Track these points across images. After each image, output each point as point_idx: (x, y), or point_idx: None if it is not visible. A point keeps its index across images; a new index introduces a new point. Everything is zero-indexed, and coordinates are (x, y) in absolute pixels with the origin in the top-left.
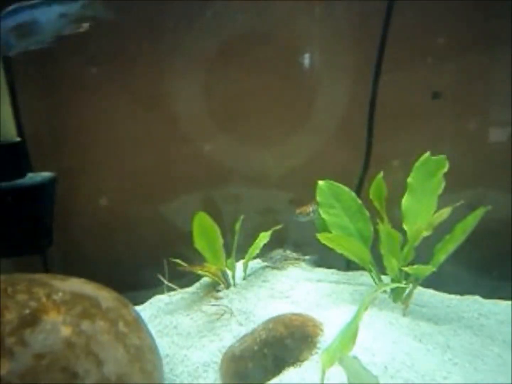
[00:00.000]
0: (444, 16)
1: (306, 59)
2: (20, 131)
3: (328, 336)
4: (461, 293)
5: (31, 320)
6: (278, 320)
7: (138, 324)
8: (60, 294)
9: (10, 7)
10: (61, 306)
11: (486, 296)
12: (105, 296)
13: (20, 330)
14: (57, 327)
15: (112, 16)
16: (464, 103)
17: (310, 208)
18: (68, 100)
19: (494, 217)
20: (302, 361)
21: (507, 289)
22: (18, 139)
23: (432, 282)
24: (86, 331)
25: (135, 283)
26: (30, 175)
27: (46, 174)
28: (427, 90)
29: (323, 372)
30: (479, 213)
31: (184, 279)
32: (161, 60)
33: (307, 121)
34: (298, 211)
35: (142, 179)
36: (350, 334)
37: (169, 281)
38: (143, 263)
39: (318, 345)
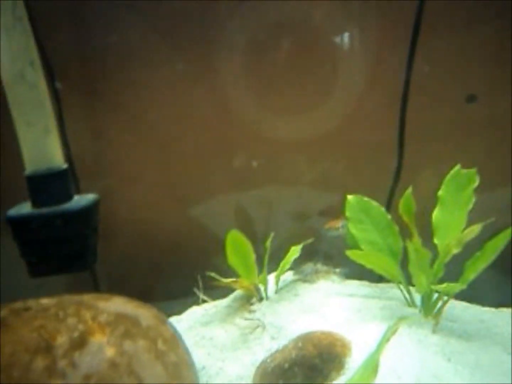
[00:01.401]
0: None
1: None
2: (67, 153)
3: (356, 357)
4: (498, 303)
5: (80, 343)
6: (307, 338)
7: (175, 340)
8: (105, 315)
9: None
10: (106, 328)
11: None
12: (144, 314)
13: (71, 353)
14: (102, 348)
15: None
16: (500, 107)
17: (339, 224)
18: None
19: None
20: (331, 381)
21: None
22: (66, 165)
23: (468, 292)
24: (128, 351)
25: (175, 292)
26: (76, 198)
27: (90, 196)
28: (462, 93)
29: None
30: (509, 232)
31: (219, 290)
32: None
33: (333, 133)
34: (327, 226)
35: (179, 190)
36: (370, 368)
37: (205, 291)
38: (182, 273)
39: (346, 366)
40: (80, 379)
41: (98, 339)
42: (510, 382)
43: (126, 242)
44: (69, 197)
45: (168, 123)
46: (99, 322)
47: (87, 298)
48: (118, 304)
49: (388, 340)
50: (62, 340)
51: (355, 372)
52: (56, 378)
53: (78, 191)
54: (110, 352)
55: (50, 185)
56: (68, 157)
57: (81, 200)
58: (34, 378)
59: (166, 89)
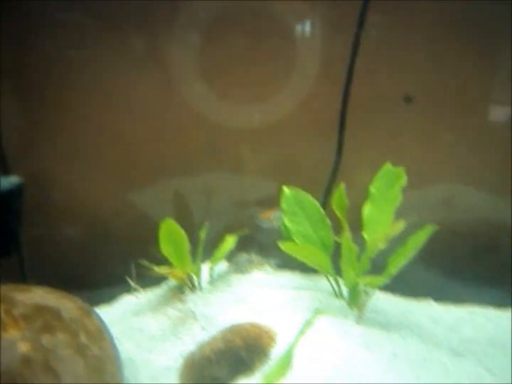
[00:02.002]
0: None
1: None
2: None
3: (280, 348)
4: (431, 294)
5: None
6: (236, 330)
7: (100, 333)
8: (21, 308)
9: None
10: (21, 321)
11: (459, 298)
12: (68, 306)
13: None
14: (15, 344)
15: None
16: (436, 106)
17: (272, 215)
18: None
19: (468, 217)
20: (253, 370)
21: (473, 290)
22: None
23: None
24: (45, 346)
25: (107, 280)
26: None
27: (12, 180)
28: (400, 94)
29: None
30: (429, 229)
31: (152, 278)
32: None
33: (275, 124)
34: (260, 216)
35: (116, 172)
36: (285, 361)
37: (138, 279)
38: (116, 259)
39: (270, 357)
40: None
41: (12, 334)
42: (424, 371)
43: (58, 226)
44: None
45: (108, 105)
46: (14, 316)
47: (2, 289)
48: (37, 296)
49: (303, 334)
50: None
51: (270, 366)
52: None
53: (6, 170)
54: (24, 348)
55: None
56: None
57: (1, 183)
58: None
59: (105, 69)
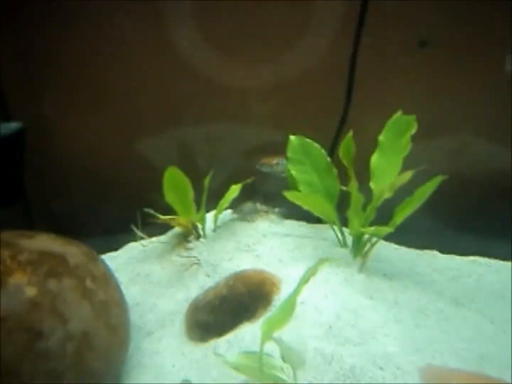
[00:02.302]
0: None
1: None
2: None
3: (283, 294)
4: (437, 245)
5: None
6: (239, 277)
7: (106, 278)
8: (26, 254)
9: None
10: (27, 267)
11: (465, 249)
12: (73, 252)
13: None
14: (22, 288)
15: None
16: (451, 51)
17: (274, 161)
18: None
19: (478, 167)
20: (258, 317)
21: (480, 241)
22: None
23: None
24: (52, 290)
25: (113, 228)
26: None
27: (12, 125)
28: (413, 39)
29: (262, 345)
30: (437, 180)
31: (157, 226)
32: None
33: (285, 69)
34: (262, 161)
35: (120, 121)
36: (287, 308)
37: (143, 227)
38: (121, 207)
39: (273, 303)
40: None
41: (17, 279)
42: (423, 319)
43: (63, 175)
44: None
45: (109, 52)
46: (19, 261)
47: (7, 235)
48: (43, 242)
49: (307, 281)
50: None
51: (273, 312)
52: None
53: (8, 116)
54: (30, 292)
55: None
56: None
57: (0, 129)
58: None
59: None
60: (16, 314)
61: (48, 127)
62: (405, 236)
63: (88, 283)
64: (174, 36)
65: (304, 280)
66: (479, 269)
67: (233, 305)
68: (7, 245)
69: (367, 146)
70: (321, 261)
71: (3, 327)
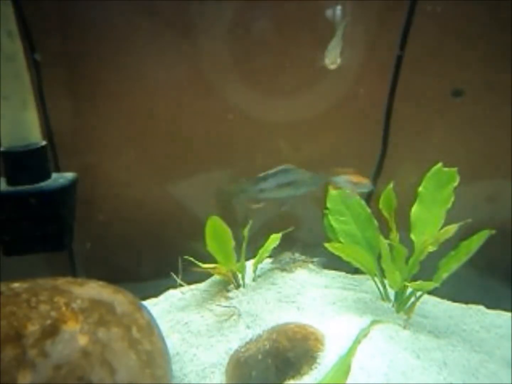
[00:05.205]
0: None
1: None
2: (47, 128)
3: (328, 351)
4: (473, 298)
5: (52, 331)
6: (282, 331)
7: (150, 328)
8: (79, 301)
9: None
10: (79, 315)
11: (505, 303)
12: (120, 300)
13: (42, 341)
14: (75, 336)
15: None
16: (486, 100)
17: (355, 179)
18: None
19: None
20: (302, 375)
21: None
22: (44, 142)
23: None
24: (101, 339)
25: (152, 274)
26: (54, 176)
27: (68, 175)
28: (448, 88)
29: None
30: (484, 234)
31: (196, 273)
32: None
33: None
34: (354, 181)
35: (161, 169)
36: (342, 371)
37: (182, 274)
38: (160, 254)
39: (318, 360)
40: (50, 369)
41: (71, 327)
42: (475, 381)
43: (106, 221)
44: (47, 176)
45: (151, 100)
46: (73, 309)
47: (61, 282)
48: (93, 290)
49: (359, 342)
50: (33, 329)
51: (326, 374)
52: (25, 368)
53: (58, 169)
54: (83, 340)
55: (26, 162)
56: (48, 133)
57: (59, 179)
58: (2, 368)
59: (148, 67)
60: (70, 363)
61: (93, 175)
62: (447, 288)
63: (134, 332)
64: (217, 81)
65: (358, 341)
66: None
67: (276, 360)
68: (62, 292)
69: (402, 194)
70: (374, 322)
71: (59, 374)
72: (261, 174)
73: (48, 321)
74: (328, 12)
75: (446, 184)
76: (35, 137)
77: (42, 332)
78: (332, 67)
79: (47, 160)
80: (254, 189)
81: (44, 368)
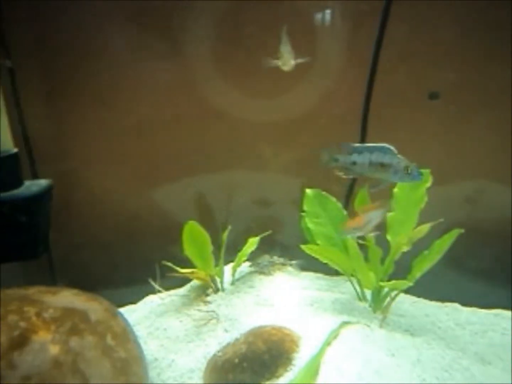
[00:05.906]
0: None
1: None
2: (24, 134)
3: (303, 353)
4: (452, 296)
5: (20, 342)
6: (258, 333)
7: (126, 334)
8: (51, 310)
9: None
10: (51, 324)
11: (480, 300)
12: (95, 308)
13: (10, 353)
14: (46, 346)
15: None
16: (462, 103)
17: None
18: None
19: (494, 216)
20: (278, 377)
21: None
22: (15, 150)
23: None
24: (74, 348)
25: (131, 280)
26: (26, 183)
27: (42, 182)
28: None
29: None
30: (454, 233)
31: (175, 279)
32: None
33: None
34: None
35: (139, 175)
36: (311, 372)
37: (161, 279)
38: (138, 260)
39: (293, 362)
40: (18, 380)
41: (42, 336)
42: (448, 377)
43: (83, 226)
44: (19, 183)
45: (130, 106)
46: (44, 319)
47: (33, 292)
48: (66, 298)
49: (329, 344)
50: (1, 340)
51: (295, 375)
52: None
53: (35, 175)
54: (54, 350)
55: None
56: (25, 139)
57: (31, 186)
58: None
59: (127, 72)
60: (40, 374)
61: (70, 181)
62: (422, 287)
63: (109, 340)
64: (205, 90)
65: (327, 342)
66: (503, 323)
67: (252, 363)
68: (32, 302)
69: (379, 197)
70: (343, 324)
71: None
72: (357, 145)
73: (17, 332)
74: None
75: (419, 185)
76: (6, 144)
77: (10, 343)
78: (286, 68)
79: (19, 168)
80: (346, 160)
81: (11, 379)
